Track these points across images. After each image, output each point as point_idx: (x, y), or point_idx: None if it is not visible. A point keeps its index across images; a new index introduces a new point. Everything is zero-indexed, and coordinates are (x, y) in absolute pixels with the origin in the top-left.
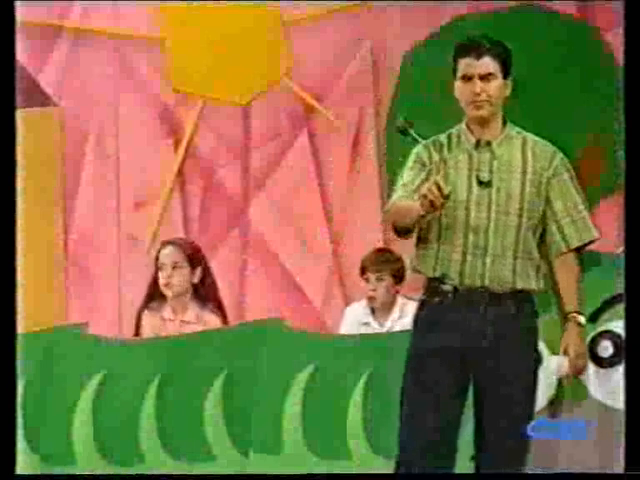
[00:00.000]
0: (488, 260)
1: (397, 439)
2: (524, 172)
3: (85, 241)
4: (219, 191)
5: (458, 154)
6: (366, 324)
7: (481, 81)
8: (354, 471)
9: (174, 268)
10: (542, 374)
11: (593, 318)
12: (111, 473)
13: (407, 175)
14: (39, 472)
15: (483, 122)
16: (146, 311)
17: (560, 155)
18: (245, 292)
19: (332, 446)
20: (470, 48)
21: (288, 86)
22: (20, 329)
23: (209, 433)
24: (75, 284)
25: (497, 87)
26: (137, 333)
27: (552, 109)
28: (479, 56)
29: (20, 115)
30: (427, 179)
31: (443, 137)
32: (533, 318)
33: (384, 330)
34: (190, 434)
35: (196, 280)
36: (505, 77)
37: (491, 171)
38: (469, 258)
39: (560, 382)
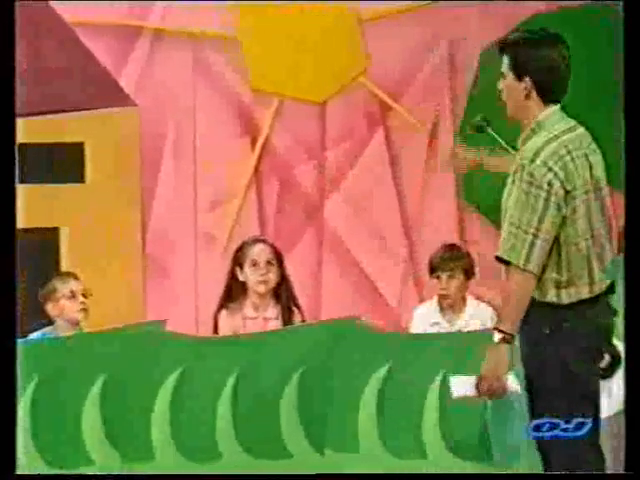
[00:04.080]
0: None
1: None
2: None
3: (162, 240)
4: (295, 190)
5: None
6: (436, 323)
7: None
8: (429, 470)
9: (269, 264)
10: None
11: None
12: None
13: None
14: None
15: None
16: (224, 311)
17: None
18: (321, 290)
19: (407, 446)
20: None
21: (364, 85)
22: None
23: (285, 431)
24: (153, 282)
25: (506, 86)
26: (215, 334)
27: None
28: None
29: (100, 115)
30: None
31: None
32: None
33: (454, 329)
34: (266, 432)
35: (279, 278)
36: (519, 77)
37: None
38: None
39: None
